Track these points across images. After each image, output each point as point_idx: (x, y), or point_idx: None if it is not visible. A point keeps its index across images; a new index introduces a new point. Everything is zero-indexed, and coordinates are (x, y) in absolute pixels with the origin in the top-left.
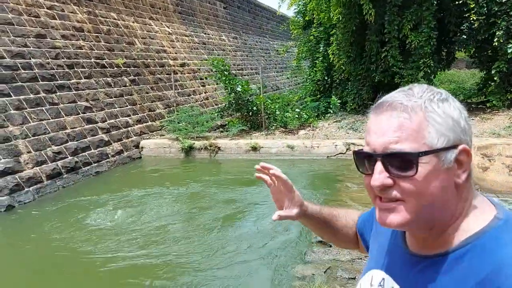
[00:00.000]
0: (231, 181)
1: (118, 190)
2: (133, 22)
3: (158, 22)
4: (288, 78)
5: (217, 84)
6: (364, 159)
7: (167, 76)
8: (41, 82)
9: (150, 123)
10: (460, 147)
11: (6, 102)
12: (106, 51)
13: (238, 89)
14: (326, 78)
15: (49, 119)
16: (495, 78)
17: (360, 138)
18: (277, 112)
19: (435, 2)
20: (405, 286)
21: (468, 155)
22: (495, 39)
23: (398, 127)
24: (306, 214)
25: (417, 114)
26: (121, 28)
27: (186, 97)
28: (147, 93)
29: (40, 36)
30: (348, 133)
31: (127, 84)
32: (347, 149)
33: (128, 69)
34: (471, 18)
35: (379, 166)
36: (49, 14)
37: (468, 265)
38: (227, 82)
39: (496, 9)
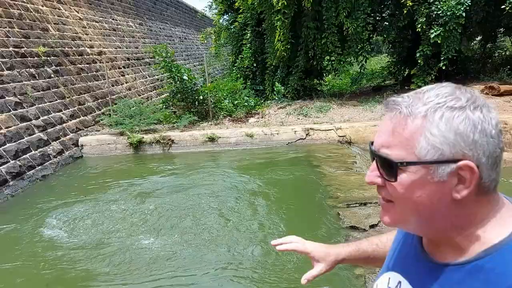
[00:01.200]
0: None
1: (70, 197)
2: (42, 6)
3: (67, 6)
4: (195, 66)
5: (136, 72)
6: (371, 155)
7: (87, 65)
8: None
9: (82, 118)
10: (461, 163)
11: None
12: (22, 39)
13: (185, 77)
14: (254, 64)
15: None
16: (419, 61)
17: (315, 123)
18: (226, 101)
19: None
20: None
21: (471, 172)
22: (418, 25)
23: (392, 132)
24: (344, 260)
25: (413, 122)
26: (31, 12)
27: (110, 88)
28: (72, 85)
29: None
30: (299, 118)
31: (52, 76)
32: (306, 134)
33: (48, 58)
34: (408, 4)
35: (374, 164)
36: None
37: (485, 278)
38: (173, 70)
39: None
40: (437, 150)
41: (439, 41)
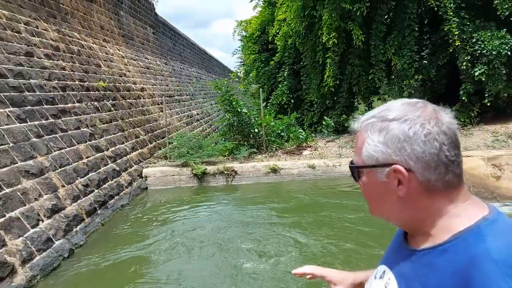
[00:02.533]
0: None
1: (148, 227)
2: (92, 44)
3: (110, 44)
4: (212, 104)
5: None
6: None
7: (134, 101)
8: (46, 106)
9: (140, 150)
10: (392, 167)
11: (25, 129)
12: (83, 73)
13: (244, 110)
14: (291, 101)
15: (66, 148)
16: (463, 98)
17: None
18: (282, 134)
19: (417, 29)
20: (397, 276)
21: (402, 174)
22: (463, 64)
23: (355, 142)
24: (362, 283)
25: (364, 134)
26: (86, 49)
27: (154, 123)
28: (127, 118)
29: (28, 54)
30: (354, 151)
31: (112, 109)
32: None
33: (106, 93)
34: (456, 44)
35: None
36: (28, 30)
37: (449, 258)
38: (233, 103)
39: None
40: (373, 156)
41: (483, 79)
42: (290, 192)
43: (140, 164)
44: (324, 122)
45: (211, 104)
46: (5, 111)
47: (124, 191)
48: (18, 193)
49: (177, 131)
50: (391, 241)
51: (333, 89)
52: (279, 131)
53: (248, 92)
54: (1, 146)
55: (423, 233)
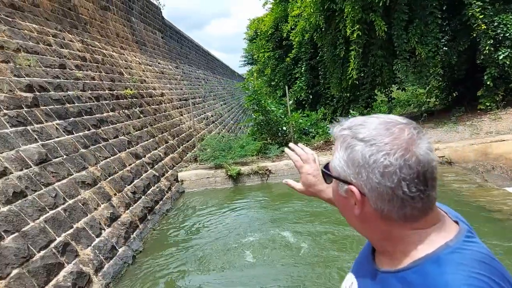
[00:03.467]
0: None
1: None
2: (112, 52)
3: (127, 51)
4: (221, 105)
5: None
6: None
7: (157, 106)
8: (86, 117)
9: (171, 155)
10: (348, 186)
11: (73, 140)
12: (110, 82)
13: (273, 108)
14: (310, 96)
15: (110, 157)
16: (488, 83)
17: None
18: (311, 130)
19: (439, 15)
20: None
21: (355, 196)
22: (486, 48)
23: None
24: (320, 197)
25: (336, 143)
26: (108, 57)
27: (177, 127)
28: (154, 124)
29: (62, 66)
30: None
31: (140, 116)
32: None
33: (133, 100)
34: (481, 28)
35: None
36: (57, 42)
37: (408, 285)
38: (262, 102)
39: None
40: (336, 170)
41: (507, 62)
42: None
43: (174, 168)
44: (350, 116)
45: (221, 105)
46: (54, 124)
47: (166, 196)
48: (80, 204)
49: (198, 133)
50: (361, 250)
51: (356, 82)
52: (306, 128)
53: (262, 90)
54: (57, 159)
55: (386, 253)
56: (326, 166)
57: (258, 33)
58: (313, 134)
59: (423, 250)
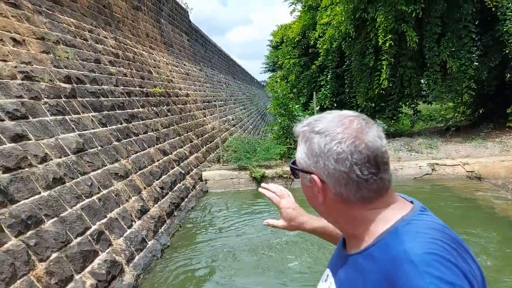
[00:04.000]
0: None
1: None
2: (142, 51)
3: (156, 51)
4: (241, 110)
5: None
6: None
7: (183, 106)
8: (118, 111)
9: (196, 154)
10: (310, 176)
11: (107, 132)
12: (141, 79)
13: (300, 114)
14: (334, 105)
15: (140, 151)
16: None
17: (433, 158)
18: None
19: (473, 29)
20: (336, 280)
21: (316, 184)
22: None
23: None
24: (305, 229)
25: (299, 139)
26: (138, 56)
27: (201, 127)
28: (180, 123)
29: (97, 61)
30: (412, 154)
31: (168, 114)
32: (432, 170)
33: (160, 98)
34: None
35: None
36: (92, 37)
37: (373, 261)
38: (289, 107)
39: None
40: (300, 162)
41: None
42: None
43: (198, 167)
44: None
45: (241, 110)
46: (89, 116)
47: (191, 194)
48: (113, 194)
49: (221, 135)
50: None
51: (384, 92)
52: None
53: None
54: (92, 149)
55: (353, 237)
56: (293, 162)
57: (284, 40)
58: None
59: (383, 226)
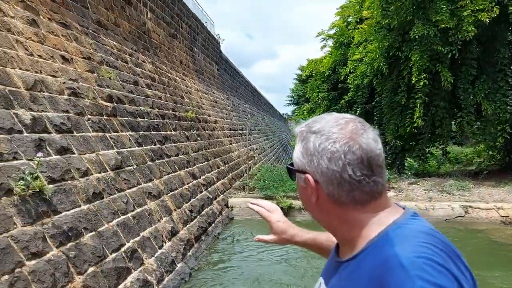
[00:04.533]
0: None
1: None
2: (176, 76)
3: (188, 78)
4: (264, 140)
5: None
6: None
7: (211, 132)
8: (153, 132)
9: (222, 180)
10: (305, 175)
11: (142, 152)
12: (174, 103)
13: None
14: None
15: (172, 173)
16: None
17: (466, 200)
18: None
19: (510, 73)
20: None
21: (310, 184)
22: None
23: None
24: (296, 242)
25: (296, 140)
26: (172, 81)
27: (228, 154)
28: (208, 149)
29: (135, 83)
30: (443, 195)
31: (197, 139)
32: (465, 212)
33: (191, 123)
34: None
35: None
36: (132, 61)
37: (366, 265)
38: None
39: None
40: (296, 162)
41: None
42: None
43: (225, 194)
44: (406, 164)
45: (264, 140)
46: (127, 135)
47: (217, 219)
48: (146, 213)
49: (245, 163)
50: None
51: (415, 131)
52: None
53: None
54: (128, 167)
55: (346, 242)
56: (291, 164)
57: (313, 74)
58: None
59: (375, 230)
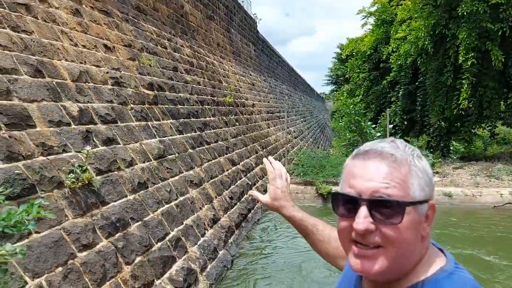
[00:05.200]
0: None
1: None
2: (213, 60)
3: (225, 61)
4: (301, 122)
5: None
6: (346, 202)
7: (249, 116)
8: (193, 119)
9: (261, 165)
10: (430, 202)
11: (183, 140)
12: (212, 88)
13: (372, 131)
14: (405, 122)
15: (212, 160)
16: None
17: None
18: None
19: None
20: None
21: (434, 210)
22: None
23: (389, 174)
24: (282, 213)
25: (403, 165)
26: (210, 65)
27: (266, 139)
28: (246, 133)
29: (175, 69)
30: (491, 181)
31: (236, 124)
32: None
33: (229, 108)
34: None
35: (364, 210)
36: (171, 46)
37: None
38: (361, 123)
39: None
40: (424, 190)
41: None
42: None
43: (263, 179)
44: (452, 148)
45: (302, 122)
46: (168, 123)
47: (256, 205)
48: (188, 202)
49: (283, 147)
50: (339, 281)
51: (462, 112)
52: None
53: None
54: (170, 156)
55: (384, 283)
56: (393, 203)
57: (354, 53)
58: None
59: (423, 273)
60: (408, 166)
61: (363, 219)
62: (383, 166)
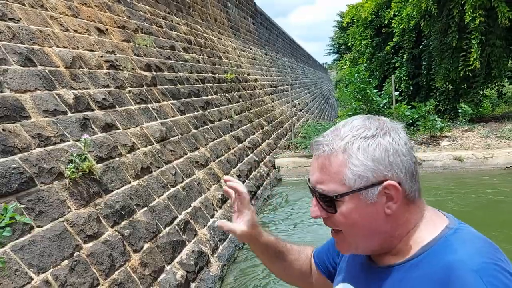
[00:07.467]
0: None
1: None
2: (212, 36)
3: (224, 36)
4: (306, 94)
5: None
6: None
7: (252, 91)
8: (194, 98)
9: (268, 141)
10: (385, 183)
11: (186, 120)
12: (212, 65)
13: (379, 99)
14: (411, 88)
15: (216, 139)
16: None
17: None
18: (419, 122)
19: None
20: None
21: (395, 189)
22: None
23: (321, 168)
24: (258, 241)
25: (337, 157)
26: (208, 41)
27: (270, 113)
28: (251, 109)
29: (172, 48)
30: (502, 141)
31: (239, 100)
32: None
33: (231, 84)
34: None
35: (314, 199)
36: (167, 24)
37: (423, 271)
38: (368, 91)
39: None
40: (363, 177)
41: None
42: (441, 187)
43: (270, 154)
44: (460, 110)
45: (306, 94)
46: (169, 104)
47: (265, 182)
48: (195, 183)
49: (289, 120)
50: (346, 258)
51: (470, 74)
52: (412, 120)
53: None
54: (173, 138)
55: (394, 251)
56: (324, 196)
57: (355, 20)
58: (418, 128)
59: (430, 234)
60: (343, 156)
61: (313, 207)
62: (320, 160)
